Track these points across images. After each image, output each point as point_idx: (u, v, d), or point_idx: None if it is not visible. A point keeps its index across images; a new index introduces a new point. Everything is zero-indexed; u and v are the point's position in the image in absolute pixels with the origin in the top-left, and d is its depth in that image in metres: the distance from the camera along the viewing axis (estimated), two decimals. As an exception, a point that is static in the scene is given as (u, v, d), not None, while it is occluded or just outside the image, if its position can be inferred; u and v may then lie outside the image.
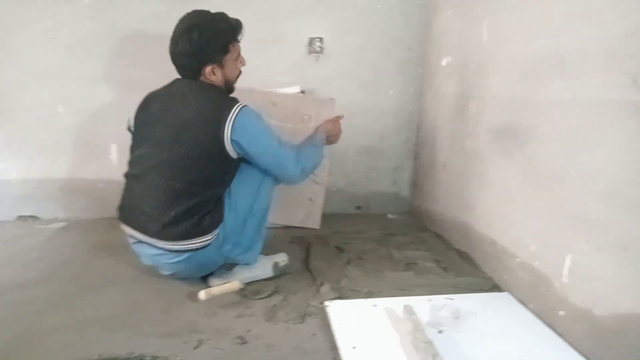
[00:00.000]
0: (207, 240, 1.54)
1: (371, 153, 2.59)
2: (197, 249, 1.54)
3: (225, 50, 1.60)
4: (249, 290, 1.62)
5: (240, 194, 1.62)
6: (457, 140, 2.06)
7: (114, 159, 2.41)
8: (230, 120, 1.50)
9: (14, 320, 1.44)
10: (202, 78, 1.60)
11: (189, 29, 1.57)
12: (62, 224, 2.36)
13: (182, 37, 1.57)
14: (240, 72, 1.71)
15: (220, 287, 1.57)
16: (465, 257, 1.93)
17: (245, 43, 2.37)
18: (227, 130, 1.49)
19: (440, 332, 1.34)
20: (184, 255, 1.55)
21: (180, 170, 1.51)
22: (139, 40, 2.32)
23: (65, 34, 2.28)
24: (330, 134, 1.84)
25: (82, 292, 1.64)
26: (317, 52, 2.41)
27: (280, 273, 1.73)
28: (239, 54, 1.67)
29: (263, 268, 1.72)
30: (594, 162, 1.24)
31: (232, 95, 1.66)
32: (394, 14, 2.44)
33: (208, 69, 1.58)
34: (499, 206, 1.72)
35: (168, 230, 1.51)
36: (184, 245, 1.53)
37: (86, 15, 2.27)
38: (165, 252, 1.55)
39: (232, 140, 1.50)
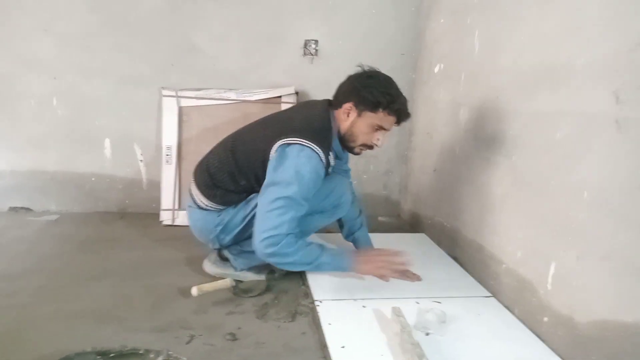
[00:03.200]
0: (206, 206, 1.68)
1: (363, 156, 2.60)
2: (197, 205, 1.70)
3: (373, 107, 1.56)
4: (240, 288, 1.64)
5: None
6: (448, 146, 2.10)
7: (107, 153, 2.41)
8: (281, 142, 1.52)
9: (1, 312, 1.45)
10: (336, 110, 1.63)
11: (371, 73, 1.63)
12: (54, 217, 2.36)
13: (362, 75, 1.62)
14: (367, 146, 1.65)
15: (212, 284, 1.59)
16: (453, 261, 1.97)
17: (243, 41, 2.41)
18: (274, 147, 1.53)
19: (427, 334, 1.38)
20: (191, 204, 1.74)
21: (236, 150, 1.65)
22: (136, 34, 2.33)
23: (60, 25, 2.28)
24: (366, 270, 1.62)
25: (70, 285, 1.65)
26: (312, 54, 2.43)
27: (273, 280, 1.73)
28: (382, 128, 1.60)
29: (257, 271, 1.74)
30: (578, 173, 1.28)
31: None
32: (388, 19, 2.48)
33: (347, 105, 1.59)
34: (486, 213, 1.76)
35: (199, 174, 1.72)
36: (195, 194, 1.71)
37: (82, 7, 2.27)
38: (190, 195, 1.75)
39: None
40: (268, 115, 1.76)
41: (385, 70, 2.48)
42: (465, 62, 1.95)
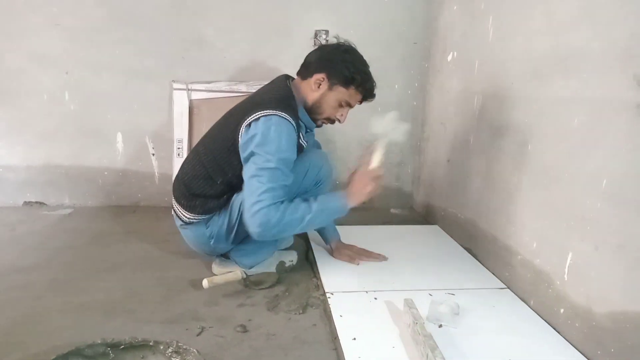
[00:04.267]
0: (190, 219, 1.64)
1: (375, 147, 2.59)
2: (182, 221, 1.66)
3: (346, 82, 1.56)
4: (251, 280, 1.63)
5: None
6: (461, 136, 2.06)
7: (119, 147, 2.42)
8: (247, 120, 1.48)
9: (14, 304, 1.46)
10: (304, 80, 1.61)
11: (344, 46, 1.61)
12: (67, 211, 2.38)
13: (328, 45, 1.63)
14: (330, 120, 1.65)
15: (223, 276, 1.59)
16: (467, 253, 1.94)
17: (251, 33, 2.39)
18: (241, 129, 1.49)
19: (439, 326, 1.35)
20: (179, 222, 1.69)
21: (204, 150, 1.62)
22: (143, 28, 2.32)
23: (70, 20, 2.28)
24: (360, 196, 1.51)
25: (82, 278, 1.66)
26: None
27: (283, 273, 1.71)
28: (349, 105, 1.62)
29: (267, 265, 1.72)
30: (595, 162, 1.24)
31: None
32: (400, 8, 2.44)
33: (319, 75, 1.56)
34: (500, 203, 1.72)
35: (176, 188, 1.69)
36: (177, 210, 1.68)
37: (90, 2, 2.27)
38: (174, 213, 1.71)
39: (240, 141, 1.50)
40: (230, 109, 1.68)
41: (397, 59, 2.48)
42: (479, 49, 1.91)
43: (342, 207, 1.51)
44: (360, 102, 1.65)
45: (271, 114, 1.46)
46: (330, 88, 1.57)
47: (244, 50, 2.39)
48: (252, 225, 1.43)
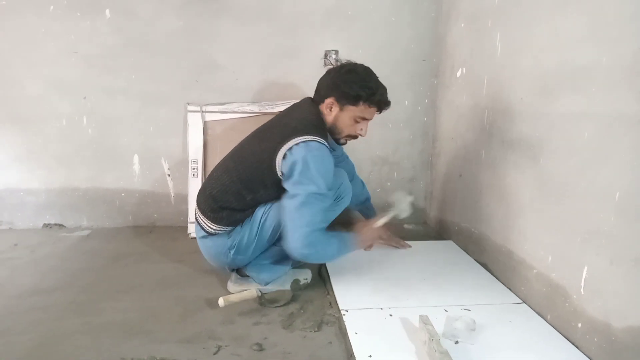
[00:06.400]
0: (215, 230, 1.68)
1: (386, 163, 2.61)
2: (206, 232, 1.70)
3: (354, 100, 1.63)
4: (267, 298, 1.64)
5: (274, 219, 1.63)
6: (473, 151, 2.07)
7: (136, 168, 2.47)
8: (287, 145, 1.55)
9: (34, 325, 1.50)
10: (320, 105, 1.68)
11: (347, 66, 1.68)
12: (86, 232, 2.43)
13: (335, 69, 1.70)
14: (352, 136, 1.73)
15: (238, 294, 1.60)
16: (482, 268, 1.93)
17: (263, 56, 2.45)
18: (279, 154, 1.56)
19: (456, 342, 1.35)
20: (201, 233, 1.73)
21: (235, 167, 1.68)
22: (156, 54, 2.39)
23: (86, 47, 2.36)
24: (364, 243, 1.80)
25: (100, 299, 1.69)
26: (333, 65, 2.44)
27: (298, 290, 1.73)
28: (365, 119, 1.68)
29: (282, 282, 1.74)
30: (606, 176, 1.24)
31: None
32: (406, 26, 2.48)
33: (329, 100, 1.65)
34: (514, 217, 1.72)
35: (202, 201, 1.73)
36: (202, 221, 1.71)
37: (106, 30, 2.35)
38: (197, 224, 1.76)
39: (281, 164, 1.57)
40: (258, 129, 1.76)
41: (405, 76, 2.52)
42: (488, 65, 1.93)
43: (352, 247, 1.72)
44: (379, 112, 1.71)
45: (309, 140, 1.54)
46: (341, 109, 1.65)
47: (255, 73, 2.44)
48: (300, 247, 1.55)
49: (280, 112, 1.82)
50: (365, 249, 1.87)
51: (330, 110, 1.66)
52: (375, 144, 2.57)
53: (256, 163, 1.62)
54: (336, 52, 2.45)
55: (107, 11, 2.33)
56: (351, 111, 1.65)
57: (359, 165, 2.55)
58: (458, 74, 2.24)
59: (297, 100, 1.81)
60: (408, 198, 1.99)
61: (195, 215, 1.77)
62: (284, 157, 1.55)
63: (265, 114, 2.38)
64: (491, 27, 1.90)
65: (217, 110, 2.39)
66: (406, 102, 2.54)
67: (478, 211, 2.02)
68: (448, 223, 2.34)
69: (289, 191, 1.57)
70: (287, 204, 1.57)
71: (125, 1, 2.33)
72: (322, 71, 2.42)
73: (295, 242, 1.55)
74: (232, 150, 1.78)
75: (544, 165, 1.53)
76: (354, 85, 1.62)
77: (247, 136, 1.77)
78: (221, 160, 1.78)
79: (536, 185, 1.57)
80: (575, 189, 1.37)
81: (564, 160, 1.43)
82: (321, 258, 1.71)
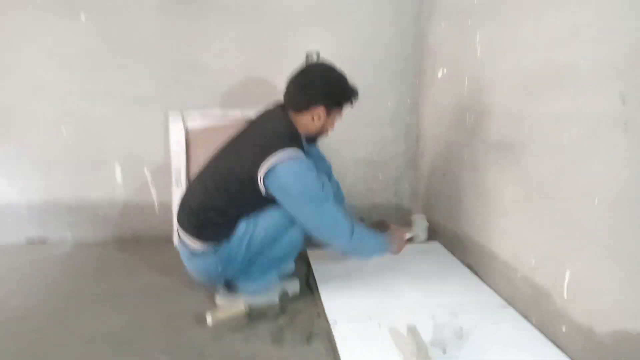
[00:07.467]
0: (201, 249, 1.67)
1: (371, 164, 2.61)
2: (192, 251, 1.69)
3: (339, 104, 1.70)
4: (255, 312, 1.64)
5: (261, 229, 1.63)
6: (455, 151, 2.08)
7: (118, 178, 2.44)
8: (267, 165, 1.54)
9: (19, 337, 1.49)
10: (303, 114, 1.67)
11: (322, 68, 1.71)
12: (69, 246, 2.39)
13: (308, 73, 1.69)
14: (324, 133, 1.77)
15: (227, 312, 1.60)
16: (468, 270, 1.95)
17: (246, 56, 2.42)
18: (261, 172, 1.55)
19: (444, 352, 1.36)
20: (186, 252, 1.72)
21: (213, 183, 1.67)
22: (137, 56, 2.34)
23: (64, 49, 2.30)
24: (395, 249, 1.84)
25: (85, 311, 1.69)
26: (314, 67, 2.43)
27: (286, 301, 1.74)
28: (340, 116, 1.76)
29: (270, 294, 1.74)
30: (587, 176, 1.26)
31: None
32: (389, 25, 2.46)
33: (319, 110, 1.65)
34: (497, 218, 1.74)
35: (184, 219, 1.72)
36: (186, 240, 1.71)
37: (84, 31, 2.29)
38: (181, 242, 1.75)
39: (264, 183, 1.57)
40: (232, 141, 1.75)
41: (388, 74, 2.50)
42: (468, 65, 1.93)
43: (387, 250, 1.80)
44: (348, 106, 1.76)
45: (289, 157, 1.54)
46: (328, 115, 1.68)
47: (238, 74, 2.41)
48: (348, 238, 1.62)
49: (253, 120, 1.78)
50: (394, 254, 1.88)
51: (319, 119, 1.67)
52: (360, 145, 2.57)
53: (235, 179, 1.61)
54: (318, 53, 2.42)
55: (83, 13, 2.27)
56: (337, 113, 1.72)
57: (344, 166, 2.55)
58: (439, 74, 2.23)
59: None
60: (425, 223, 2.27)
61: (178, 233, 1.75)
62: (266, 176, 1.54)
63: (247, 119, 2.35)
64: (471, 26, 1.89)
65: (198, 116, 2.36)
66: (389, 103, 2.53)
67: (462, 211, 2.03)
68: (434, 224, 2.35)
69: (300, 211, 1.60)
70: (309, 219, 1.61)
71: (103, 2, 2.27)
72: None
73: (342, 237, 1.62)
74: (207, 164, 1.76)
75: (524, 167, 1.55)
76: (344, 93, 1.68)
77: (221, 149, 1.75)
78: (197, 175, 1.77)
79: (517, 187, 1.59)
80: (556, 190, 1.39)
81: (545, 162, 1.44)
82: (364, 251, 1.76)
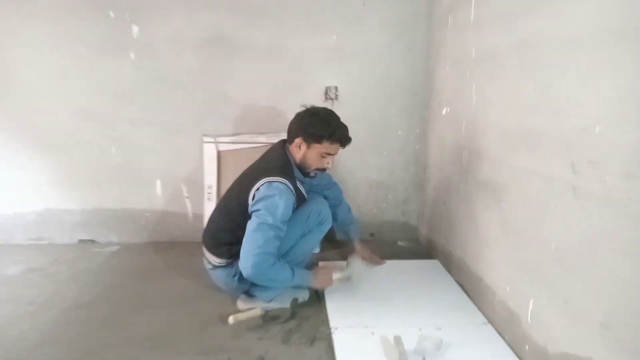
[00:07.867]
0: (219, 263, 2.03)
1: (381, 186, 2.88)
2: (214, 265, 2.04)
3: (318, 139, 1.94)
4: (269, 316, 1.94)
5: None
6: (453, 184, 2.32)
7: (158, 191, 2.79)
8: (256, 186, 1.89)
9: (78, 338, 1.81)
10: (291, 145, 2.00)
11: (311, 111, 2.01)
12: (115, 248, 2.76)
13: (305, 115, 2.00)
14: (320, 169, 2.04)
15: (245, 313, 1.90)
16: (460, 288, 2.19)
17: (271, 90, 2.73)
18: (251, 194, 1.91)
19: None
20: (209, 266, 2.07)
21: (225, 209, 2.05)
22: (177, 88, 2.70)
23: (112, 82, 2.67)
24: (318, 285, 2.03)
25: (129, 313, 2.00)
26: (332, 99, 2.72)
27: (296, 308, 2.00)
28: (329, 154, 1.99)
29: (282, 301, 2.01)
30: (546, 228, 1.49)
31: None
32: (400, 63, 2.74)
33: (297, 140, 1.96)
34: (483, 248, 1.98)
35: (206, 239, 2.10)
36: (208, 256, 2.07)
37: (128, 68, 2.66)
38: (205, 257, 2.10)
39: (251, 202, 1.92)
40: (243, 172, 2.09)
41: (398, 108, 2.78)
42: (466, 110, 2.17)
43: (305, 283, 1.99)
44: (343, 147, 2.01)
45: (273, 180, 1.88)
46: (308, 147, 1.97)
47: (263, 105, 2.74)
48: (248, 266, 1.80)
49: (263, 153, 2.13)
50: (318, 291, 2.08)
51: (300, 149, 1.98)
52: (372, 169, 2.84)
53: (239, 205, 1.96)
54: (336, 87, 2.71)
55: (133, 51, 2.63)
56: (317, 148, 1.96)
57: (358, 187, 2.83)
58: (443, 111, 2.48)
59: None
60: (362, 267, 2.21)
61: (203, 250, 2.12)
62: (254, 195, 1.89)
63: (272, 144, 2.66)
64: (469, 76, 2.13)
65: (229, 140, 2.69)
66: (399, 132, 2.80)
67: (457, 237, 2.28)
68: (435, 243, 2.60)
69: (251, 219, 1.87)
70: (247, 229, 1.86)
71: (149, 42, 2.63)
72: (324, 104, 2.73)
73: (244, 262, 1.82)
74: (225, 192, 2.14)
75: (504, 208, 1.79)
76: (317, 126, 1.93)
77: (236, 179, 2.11)
78: (218, 201, 2.15)
79: (499, 225, 1.83)
80: (525, 234, 1.62)
81: (518, 208, 1.68)
82: (267, 282, 1.90)
